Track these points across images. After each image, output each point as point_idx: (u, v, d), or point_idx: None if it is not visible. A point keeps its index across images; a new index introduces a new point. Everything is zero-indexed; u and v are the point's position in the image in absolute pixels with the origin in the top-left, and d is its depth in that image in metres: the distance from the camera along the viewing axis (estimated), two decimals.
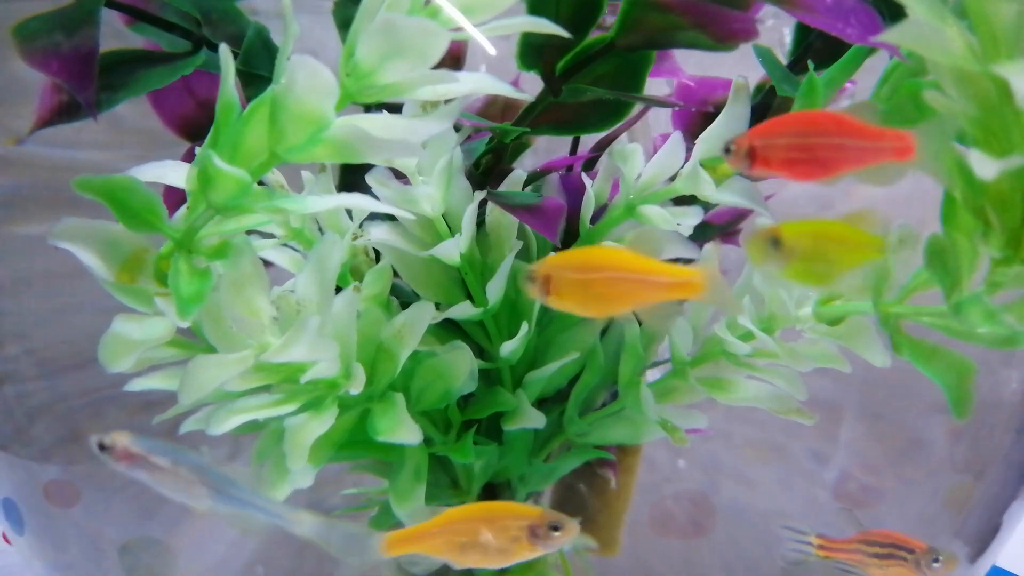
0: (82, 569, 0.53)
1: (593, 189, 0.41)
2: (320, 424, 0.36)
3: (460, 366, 0.39)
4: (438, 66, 0.29)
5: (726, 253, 0.47)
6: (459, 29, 0.31)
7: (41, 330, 0.52)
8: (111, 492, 0.52)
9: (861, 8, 0.34)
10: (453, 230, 0.40)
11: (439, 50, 0.28)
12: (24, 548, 0.54)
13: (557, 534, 0.33)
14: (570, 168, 0.45)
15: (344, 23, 0.40)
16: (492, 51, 0.35)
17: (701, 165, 0.39)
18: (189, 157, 0.35)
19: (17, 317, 0.51)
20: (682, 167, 0.40)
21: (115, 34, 0.41)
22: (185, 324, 0.33)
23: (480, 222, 0.41)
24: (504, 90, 0.33)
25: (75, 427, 0.52)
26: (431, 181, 0.39)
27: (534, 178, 0.43)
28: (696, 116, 0.46)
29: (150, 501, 0.53)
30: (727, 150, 0.30)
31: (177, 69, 0.41)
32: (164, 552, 0.53)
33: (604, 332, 0.45)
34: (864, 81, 0.37)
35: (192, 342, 0.37)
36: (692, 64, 0.45)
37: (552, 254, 0.34)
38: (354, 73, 0.30)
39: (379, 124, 0.31)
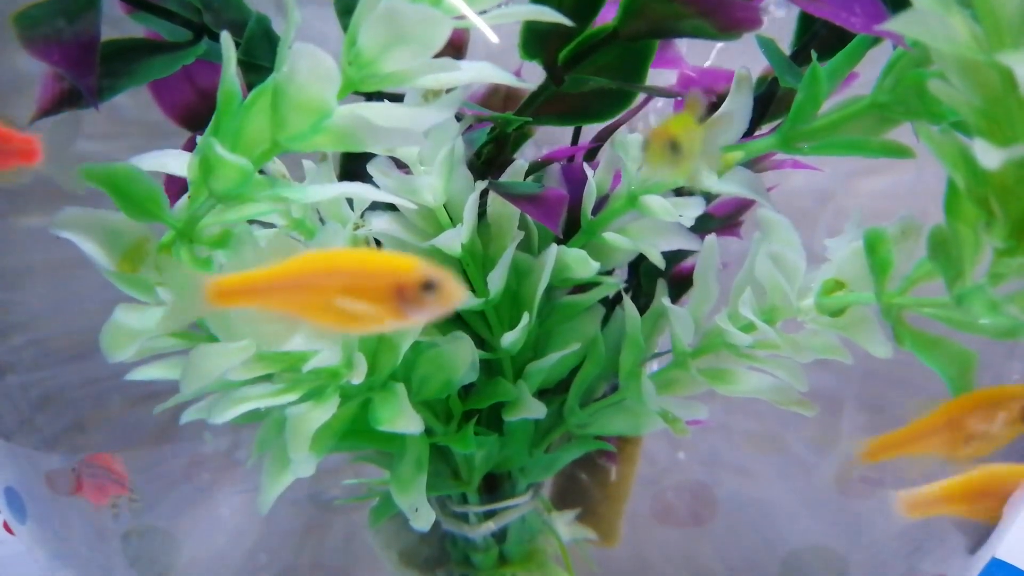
0: (85, 558, 0.54)
1: (595, 179, 0.41)
2: (322, 413, 0.36)
3: (461, 356, 0.39)
4: (440, 55, 0.29)
5: (726, 245, 0.47)
6: (461, 17, 0.31)
7: (44, 320, 0.52)
8: None
9: None
10: (454, 220, 0.40)
11: (441, 38, 0.28)
12: (26, 537, 0.54)
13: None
14: (572, 158, 0.44)
15: (345, 11, 0.39)
16: (495, 39, 0.35)
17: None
18: (190, 147, 0.35)
19: (20, 307, 0.51)
20: None
21: (115, 23, 0.41)
22: None
23: (481, 212, 0.41)
24: (506, 79, 0.33)
25: (78, 416, 0.52)
26: (433, 171, 0.39)
27: (536, 168, 0.43)
28: None
29: (153, 489, 0.53)
30: None
31: (178, 58, 0.40)
32: (167, 540, 0.53)
33: (605, 322, 0.45)
34: (866, 72, 0.37)
35: (194, 332, 0.37)
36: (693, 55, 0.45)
37: None
38: (356, 61, 0.30)
39: (381, 113, 0.31)
